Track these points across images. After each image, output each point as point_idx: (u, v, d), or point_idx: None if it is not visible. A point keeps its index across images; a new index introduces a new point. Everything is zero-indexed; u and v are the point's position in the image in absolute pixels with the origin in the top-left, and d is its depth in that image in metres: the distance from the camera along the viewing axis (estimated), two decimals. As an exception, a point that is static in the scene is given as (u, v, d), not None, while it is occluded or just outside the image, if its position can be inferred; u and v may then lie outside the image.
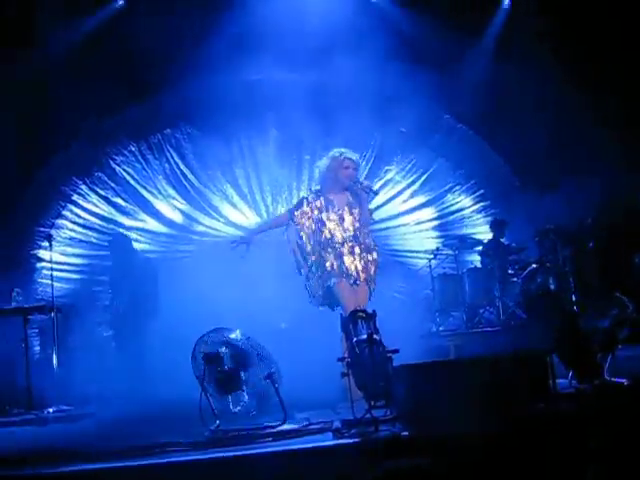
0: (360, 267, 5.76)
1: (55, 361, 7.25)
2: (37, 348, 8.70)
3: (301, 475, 3.65)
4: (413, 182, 10.77)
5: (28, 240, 9.75)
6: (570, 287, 8.08)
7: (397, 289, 9.72)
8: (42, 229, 9.76)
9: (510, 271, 9.11)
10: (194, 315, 7.24)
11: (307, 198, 5.99)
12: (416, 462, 3.65)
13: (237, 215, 10.36)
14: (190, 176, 10.35)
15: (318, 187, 6.04)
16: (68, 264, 9.79)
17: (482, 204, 10.79)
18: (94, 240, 9.99)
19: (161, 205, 10.33)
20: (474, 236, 10.05)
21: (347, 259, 5.75)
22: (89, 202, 10.13)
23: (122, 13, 9.64)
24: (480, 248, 9.54)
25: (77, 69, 9.15)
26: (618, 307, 5.42)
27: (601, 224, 8.59)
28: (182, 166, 10.35)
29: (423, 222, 10.79)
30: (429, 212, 10.82)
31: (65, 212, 10.03)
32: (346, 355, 4.48)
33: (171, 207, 10.36)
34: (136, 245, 9.80)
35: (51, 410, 6.63)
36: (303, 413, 4.91)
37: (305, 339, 7.36)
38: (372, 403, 4.21)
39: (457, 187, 10.86)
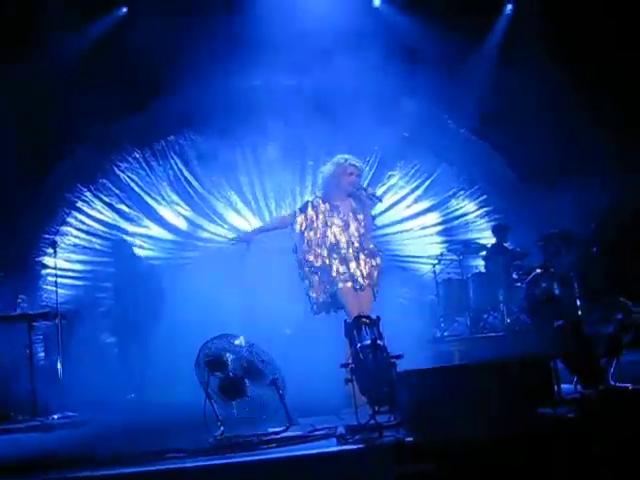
0: (365, 272, 5.78)
1: (59, 367, 7.26)
2: (42, 354, 8.70)
3: (305, 481, 3.66)
4: (417, 187, 10.77)
5: (33, 247, 9.76)
6: (574, 292, 8.05)
7: (401, 294, 9.71)
8: (47, 236, 9.77)
9: (514, 276, 9.10)
10: (198, 321, 7.26)
11: (312, 202, 5.99)
12: (420, 468, 3.65)
13: (241, 221, 10.36)
14: (194, 182, 10.37)
15: (320, 193, 6.05)
16: (72, 270, 9.79)
17: (486, 209, 10.78)
18: (98, 247, 10.00)
19: (165, 211, 10.34)
20: (478, 241, 10.03)
21: (352, 265, 5.76)
22: (93, 209, 10.14)
23: (126, 20, 9.68)
24: (484, 253, 9.53)
25: (82, 76, 9.19)
26: (623, 312, 5.41)
27: (605, 228, 8.58)
28: (186, 172, 10.36)
29: (427, 227, 10.78)
30: (433, 217, 10.82)
31: (70, 219, 10.05)
32: (350, 361, 4.48)
33: (175, 213, 10.37)
34: (140, 251, 9.84)
35: (56, 416, 6.63)
36: (307, 419, 4.91)
37: (309, 345, 7.36)
38: (376, 409, 4.21)
39: (461, 192, 10.85)
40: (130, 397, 7.78)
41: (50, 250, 8.64)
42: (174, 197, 10.35)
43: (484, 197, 10.79)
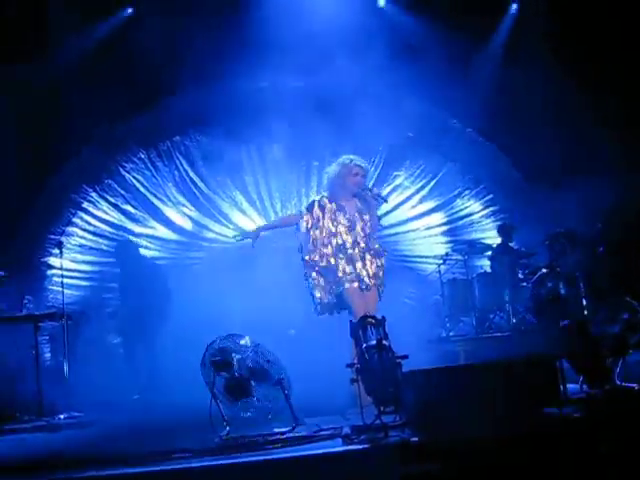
0: (371, 272, 5.78)
1: (66, 368, 7.27)
2: (48, 355, 8.73)
3: (311, 481, 3.66)
4: (422, 187, 10.75)
5: (39, 247, 9.77)
6: (580, 292, 8.04)
7: (407, 295, 9.71)
8: (53, 236, 9.79)
9: (520, 276, 9.08)
10: (204, 321, 7.26)
11: (319, 201, 5.98)
12: (426, 468, 3.65)
13: (246, 222, 10.36)
14: (199, 183, 10.37)
15: (326, 193, 6.05)
16: (78, 271, 9.81)
17: (491, 209, 10.76)
18: (104, 247, 10.00)
19: (171, 212, 10.35)
20: (483, 241, 10.02)
21: (359, 265, 5.76)
22: (99, 209, 10.15)
23: (132, 20, 9.71)
24: (490, 253, 9.52)
25: (88, 76, 9.20)
26: (629, 312, 5.41)
27: (611, 228, 8.57)
28: (191, 173, 10.37)
29: (432, 227, 10.77)
30: (438, 217, 10.80)
31: (75, 219, 10.06)
32: (355, 361, 4.48)
33: (181, 214, 10.37)
34: (146, 252, 9.86)
35: (62, 417, 6.65)
36: (313, 419, 4.91)
37: (314, 345, 7.37)
38: (381, 409, 4.21)
39: (466, 192, 10.83)
40: (134, 398, 7.78)
41: (56, 251, 8.68)
42: (180, 197, 10.36)
43: (489, 197, 10.78)
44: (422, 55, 9.63)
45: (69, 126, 9.23)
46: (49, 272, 9.66)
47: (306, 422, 4.78)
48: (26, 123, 9.05)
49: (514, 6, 10.34)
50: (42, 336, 8.04)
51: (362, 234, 5.87)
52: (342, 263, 5.76)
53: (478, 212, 10.82)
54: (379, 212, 6.21)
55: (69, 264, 9.51)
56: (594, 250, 8.48)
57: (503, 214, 10.59)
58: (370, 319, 4.60)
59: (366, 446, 3.83)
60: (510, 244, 9.49)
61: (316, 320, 6.06)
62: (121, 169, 10.22)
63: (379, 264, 5.86)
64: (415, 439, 3.87)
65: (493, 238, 9.98)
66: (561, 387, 4.54)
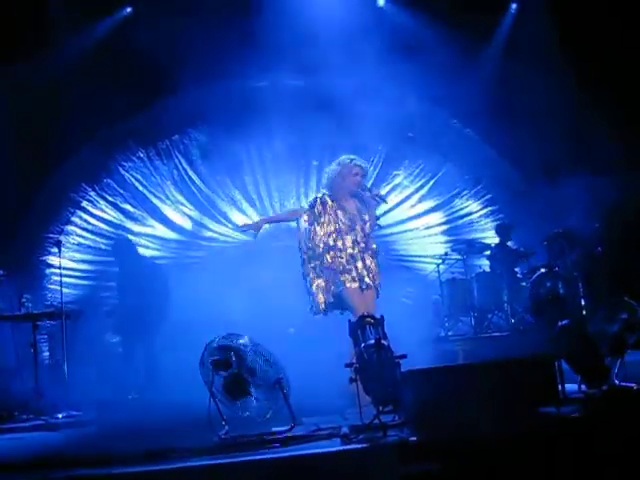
0: (371, 272, 5.79)
1: (64, 367, 7.27)
2: (46, 354, 8.73)
3: (309, 481, 3.66)
4: (421, 187, 10.76)
5: (38, 246, 9.77)
6: (579, 291, 8.05)
7: (405, 294, 9.70)
8: (51, 235, 9.80)
9: (519, 276, 9.09)
10: (203, 320, 7.27)
11: (321, 198, 5.98)
12: (425, 467, 3.65)
13: (245, 221, 10.31)
14: (198, 182, 10.37)
15: (325, 192, 6.04)
16: (77, 270, 9.81)
17: (490, 208, 10.77)
18: (103, 246, 10.00)
19: (169, 211, 10.35)
20: (482, 240, 10.03)
21: (359, 264, 5.77)
22: (98, 208, 10.15)
23: (131, 20, 9.70)
24: (488, 253, 9.52)
25: (87, 75, 9.18)
26: (627, 311, 5.40)
27: (610, 227, 8.57)
28: (190, 172, 10.37)
29: (431, 227, 10.77)
30: (437, 217, 10.81)
31: (74, 218, 10.05)
32: (354, 361, 4.48)
33: (180, 213, 10.37)
34: (145, 251, 9.85)
35: (60, 415, 6.64)
36: (311, 419, 4.91)
37: (313, 345, 7.37)
38: (380, 408, 4.21)
39: (465, 191, 10.84)
40: (131, 397, 7.77)
41: (55, 249, 8.69)
42: (179, 196, 10.36)
43: (488, 196, 10.78)
44: (421, 55, 9.62)
45: (69, 126, 9.22)
46: (48, 271, 9.67)
47: (304, 422, 4.78)
48: (26, 123, 9.04)
49: (514, 5, 10.33)
50: (40, 335, 8.03)
51: (362, 234, 5.88)
52: (342, 262, 5.76)
53: (477, 212, 10.82)
54: (378, 211, 6.21)
55: (68, 263, 9.51)
56: (593, 250, 8.49)
57: (502, 214, 10.59)
58: (369, 318, 4.60)
59: (365, 446, 3.83)
60: (509, 244, 9.49)
61: (315, 319, 6.07)
62: (120, 168, 10.22)
63: (376, 263, 5.87)
64: (414, 438, 3.87)
65: (492, 238, 9.98)
66: (560, 387, 4.54)
